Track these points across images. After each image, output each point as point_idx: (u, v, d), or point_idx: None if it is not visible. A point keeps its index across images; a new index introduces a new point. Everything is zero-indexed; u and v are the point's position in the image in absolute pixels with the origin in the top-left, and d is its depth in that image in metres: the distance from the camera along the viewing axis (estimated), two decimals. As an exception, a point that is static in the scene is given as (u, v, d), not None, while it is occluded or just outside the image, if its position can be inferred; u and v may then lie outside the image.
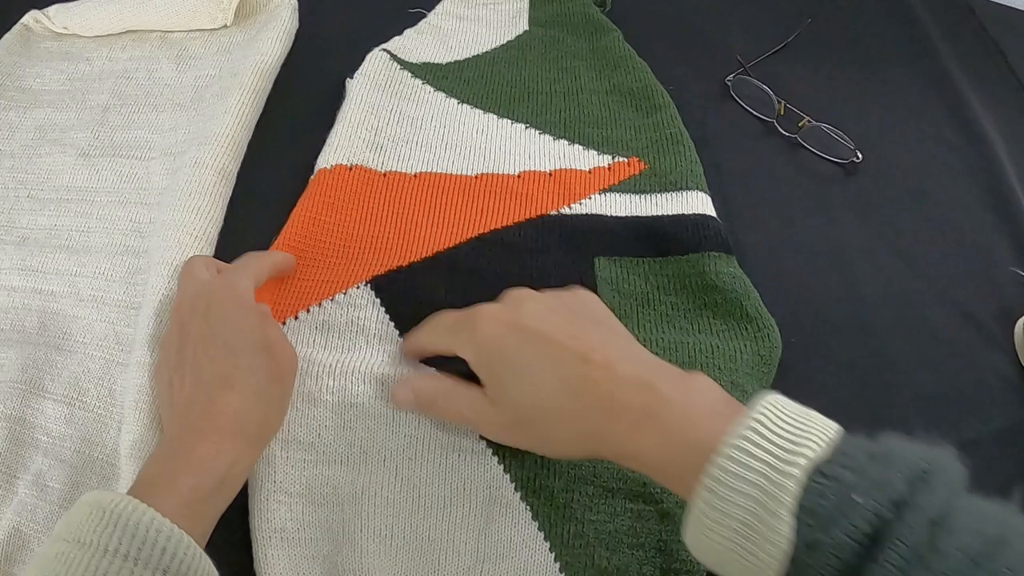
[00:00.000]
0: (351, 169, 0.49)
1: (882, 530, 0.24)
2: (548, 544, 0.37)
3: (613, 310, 0.43)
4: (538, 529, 0.37)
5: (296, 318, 0.42)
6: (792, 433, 0.26)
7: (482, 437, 0.39)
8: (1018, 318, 0.48)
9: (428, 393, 0.37)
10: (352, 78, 0.54)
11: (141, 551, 0.27)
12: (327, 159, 0.49)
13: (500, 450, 0.39)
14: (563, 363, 0.32)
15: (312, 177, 0.48)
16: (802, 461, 0.25)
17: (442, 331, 0.38)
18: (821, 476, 0.25)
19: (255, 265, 0.40)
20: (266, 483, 0.37)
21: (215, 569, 0.30)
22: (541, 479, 0.38)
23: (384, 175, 0.49)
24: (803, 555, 0.24)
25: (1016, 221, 0.53)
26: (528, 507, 0.38)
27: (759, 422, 0.27)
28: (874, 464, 0.25)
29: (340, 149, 0.49)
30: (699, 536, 0.27)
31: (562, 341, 0.33)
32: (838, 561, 0.24)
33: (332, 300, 0.43)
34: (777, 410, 0.27)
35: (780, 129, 0.57)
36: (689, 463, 0.28)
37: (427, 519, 0.38)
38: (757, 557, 0.25)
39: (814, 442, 0.26)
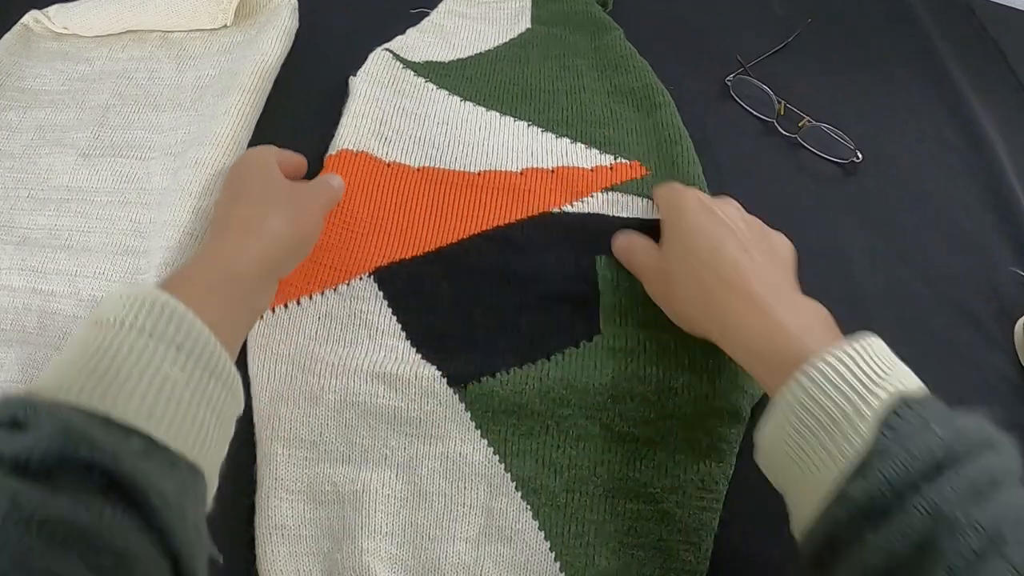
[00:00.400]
0: (357, 154, 0.49)
1: (948, 461, 0.26)
2: (548, 544, 0.37)
3: (614, 308, 0.43)
4: (539, 528, 0.37)
5: (298, 303, 0.42)
6: (890, 366, 0.30)
7: (483, 436, 0.39)
8: (1018, 318, 0.48)
9: (636, 246, 0.44)
10: (355, 75, 0.54)
11: (156, 326, 0.28)
12: (334, 147, 0.49)
13: (501, 449, 0.39)
14: (725, 244, 0.37)
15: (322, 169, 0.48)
16: (896, 386, 0.29)
17: (661, 187, 0.45)
18: (906, 406, 0.28)
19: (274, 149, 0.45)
20: (267, 480, 0.37)
21: (228, 356, 0.31)
22: (542, 479, 0.38)
23: (389, 165, 0.49)
24: (872, 459, 0.27)
25: (1016, 221, 0.53)
26: (529, 506, 0.38)
27: (865, 346, 0.30)
28: (954, 417, 0.28)
29: (345, 138, 0.49)
30: (779, 426, 0.30)
31: (736, 236, 0.38)
32: (903, 471, 0.26)
33: (335, 290, 0.43)
34: (882, 346, 0.31)
35: (780, 129, 0.57)
36: (790, 357, 0.31)
37: (428, 518, 0.38)
38: (828, 453, 0.28)
39: (910, 380, 0.30)
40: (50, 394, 0.26)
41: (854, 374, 0.29)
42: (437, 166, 0.50)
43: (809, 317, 0.34)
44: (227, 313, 0.33)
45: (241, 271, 0.35)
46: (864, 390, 0.28)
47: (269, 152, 0.43)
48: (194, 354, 0.29)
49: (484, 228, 0.47)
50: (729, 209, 0.40)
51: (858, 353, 0.30)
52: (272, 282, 0.39)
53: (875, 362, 0.29)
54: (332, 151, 0.49)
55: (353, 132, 0.50)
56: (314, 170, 0.48)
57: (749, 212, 0.52)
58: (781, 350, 0.32)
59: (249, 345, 0.41)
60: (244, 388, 0.39)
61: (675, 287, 0.39)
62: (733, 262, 0.36)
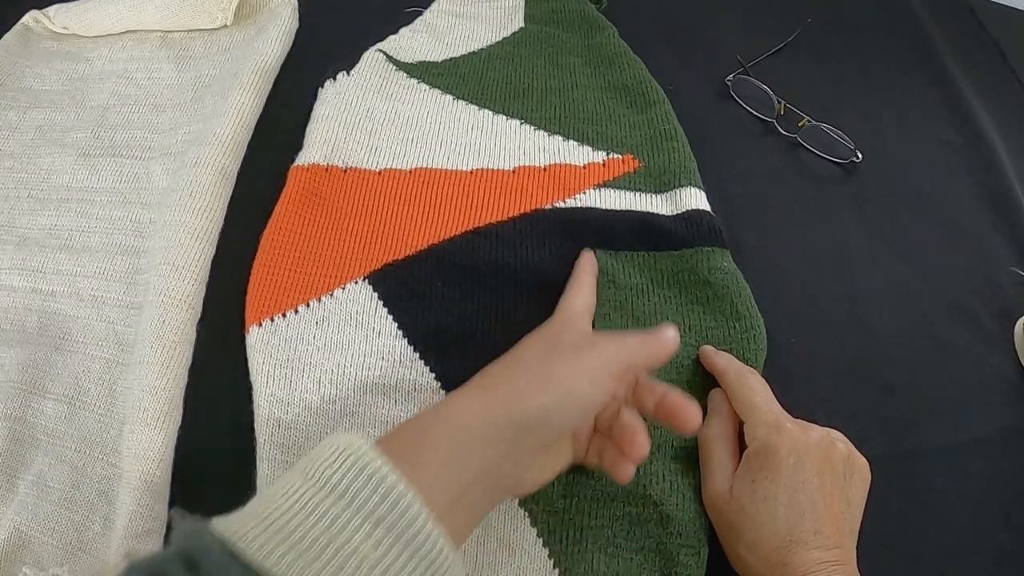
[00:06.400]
0: (346, 171, 0.49)
1: None
2: (547, 551, 0.36)
3: (608, 301, 0.44)
4: (537, 535, 0.37)
5: (296, 312, 0.42)
6: None
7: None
8: (1018, 318, 0.48)
9: (711, 465, 0.38)
10: (345, 74, 0.54)
11: (359, 494, 0.25)
12: (306, 156, 0.49)
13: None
14: (822, 528, 0.34)
15: (289, 174, 0.48)
16: None
17: (733, 377, 0.39)
18: None
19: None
20: (263, 487, 0.37)
21: (439, 533, 0.26)
22: None
23: (379, 173, 0.50)
24: None
25: (1016, 221, 0.53)
26: (527, 513, 0.37)
27: None
28: None
29: (324, 147, 0.49)
30: None
31: (819, 491, 0.34)
32: None
33: (331, 296, 0.43)
34: None
35: (780, 129, 0.57)
36: None
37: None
38: None
39: None
40: (233, 539, 0.24)
41: None
42: (429, 166, 0.50)
43: None
44: (454, 475, 0.28)
45: (475, 424, 0.29)
46: None
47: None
48: (395, 530, 0.25)
49: (476, 225, 0.47)
50: (829, 455, 0.36)
51: None
52: (523, 446, 0.31)
53: None
54: (303, 162, 0.48)
55: (343, 144, 0.50)
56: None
57: (749, 212, 0.52)
58: None
59: (249, 351, 0.41)
60: (246, 393, 0.40)
61: (743, 526, 0.35)
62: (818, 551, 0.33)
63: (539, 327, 0.37)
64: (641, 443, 0.33)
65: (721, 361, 0.41)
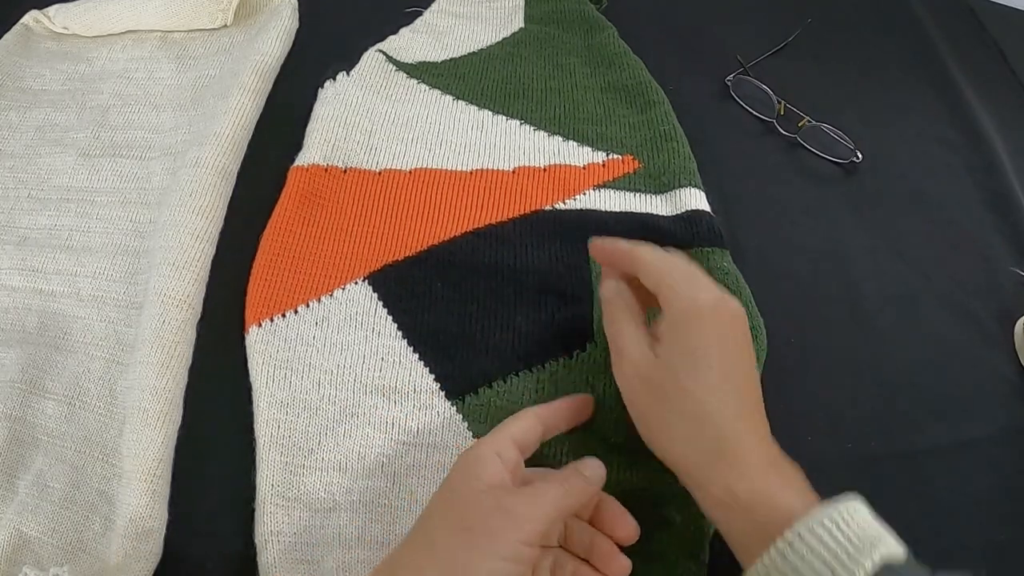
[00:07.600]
0: (346, 172, 0.49)
1: None
2: None
3: None
4: None
5: (296, 312, 0.42)
6: (871, 531, 0.28)
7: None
8: (1018, 318, 0.48)
9: (625, 336, 0.35)
10: (345, 74, 0.54)
11: None
12: (306, 157, 0.49)
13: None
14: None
15: (289, 174, 0.48)
16: (879, 553, 0.27)
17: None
18: (891, 572, 0.27)
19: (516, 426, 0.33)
20: (264, 486, 0.37)
21: None
22: None
23: (379, 173, 0.50)
24: None
25: (1016, 221, 0.53)
26: None
27: (843, 512, 0.28)
28: None
29: (323, 148, 0.49)
30: None
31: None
32: None
33: (331, 296, 0.43)
34: (861, 509, 0.29)
35: (780, 129, 0.57)
36: (762, 520, 0.29)
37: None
38: None
39: (890, 545, 0.28)
40: None
41: (836, 544, 0.27)
42: (429, 166, 0.50)
43: (780, 472, 0.31)
44: None
45: None
46: (848, 559, 0.27)
47: (488, 451, 0.32)
48: None
49: (476, 226, 0.47)
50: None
51: (839, 519, 0.28)
52: None
53: (856, 528, 0.28)
54: (303, 162, 0.48)
55: (343, 144, 0.50)
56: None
57: (748, 212, 0.52)
58: (753, 511, 0.30)
59: (249, 352, 0.41)
60: (246, 393, 0.40)
61: (662, 401, 0.33)
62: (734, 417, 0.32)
63: (449, 480, 0.32)
64: (623, 565, 0.33)
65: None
